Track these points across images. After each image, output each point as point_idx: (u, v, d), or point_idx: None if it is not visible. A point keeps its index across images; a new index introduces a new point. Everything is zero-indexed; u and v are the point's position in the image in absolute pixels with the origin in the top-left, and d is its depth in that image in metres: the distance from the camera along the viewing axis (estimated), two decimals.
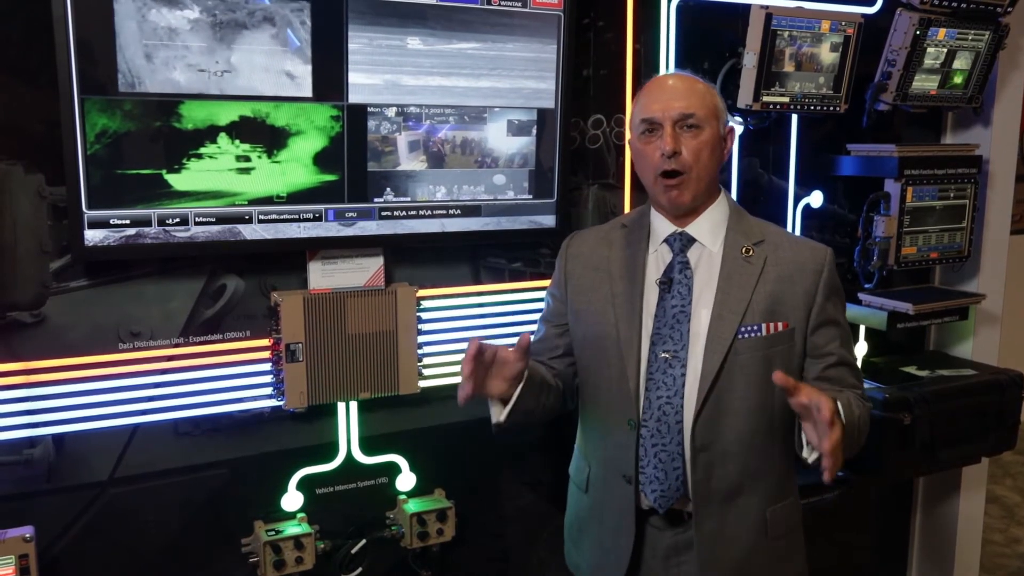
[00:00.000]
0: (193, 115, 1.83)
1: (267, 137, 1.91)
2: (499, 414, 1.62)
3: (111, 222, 1.80)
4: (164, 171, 1.83)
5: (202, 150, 1.86)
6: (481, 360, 1.52)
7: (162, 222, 1.85)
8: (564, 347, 1.79)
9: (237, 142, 1.88)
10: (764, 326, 1.62)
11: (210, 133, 1.86)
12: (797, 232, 2.72)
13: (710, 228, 1.67)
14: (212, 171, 1.87)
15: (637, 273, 1.68)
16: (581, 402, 1.80)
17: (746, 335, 1.61)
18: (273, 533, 2.05)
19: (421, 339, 2.20)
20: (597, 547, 1.76)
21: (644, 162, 1.65)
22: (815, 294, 1.65)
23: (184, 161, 1.84)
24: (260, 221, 1.94)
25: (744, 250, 1.65)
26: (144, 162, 1.81)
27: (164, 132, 1.82)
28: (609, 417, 1.70)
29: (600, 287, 1.72)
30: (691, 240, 1.67)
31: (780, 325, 1.63)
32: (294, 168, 1.95)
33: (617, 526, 1.70)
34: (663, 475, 1.63)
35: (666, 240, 1.68)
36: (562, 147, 2.23)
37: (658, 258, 1.69)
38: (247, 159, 1.90)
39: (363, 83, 1.98)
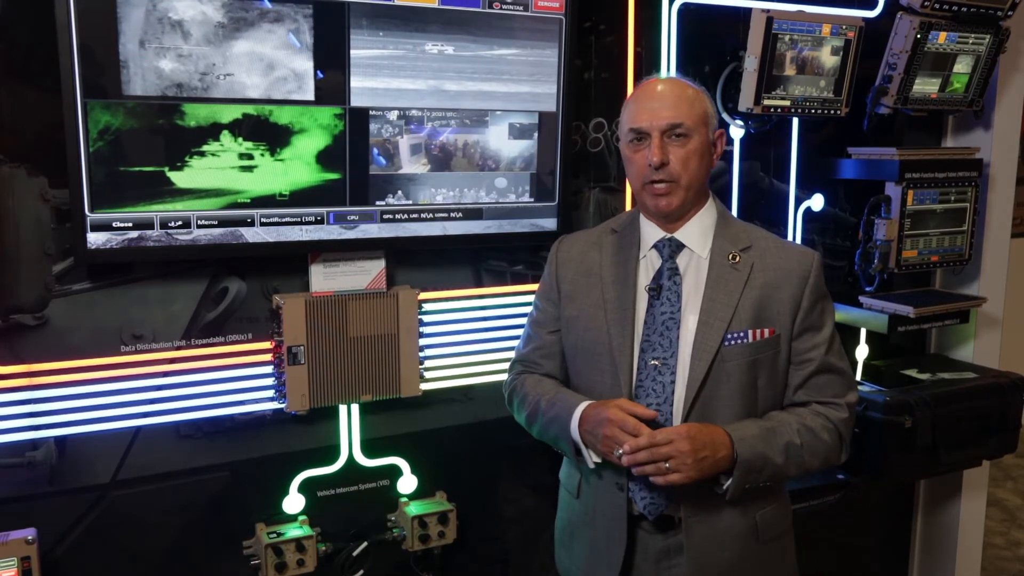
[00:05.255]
0: (196, 113, 1.84)
1: (270, 135, 1.91)
2: (595, 456, 1.64)
3: (113, 225, 1.81)
4: (167, 168, 1.84)
5: (205, 148, 1.86)
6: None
7: (164, 225, 1.85)
8: (562, 353, 1.79)
9: (240, 140, 1.89)
10: (751, 332, 1.62)
11: (213, 131, 1.86)
12: (798, 236, 2.73)
13: (699, 233, 1.68)
14: (215, 169, 1.88)
15: (629, 279, 1.68)
16: None
17: (733, 342, 1.61)
18: (275, 535, 2.06)
19: (423, 342, 2.20)
20: (589, 552, 1.76)
21: (632, 169, 1.67)
22: (801, 300, 1.65)
23: (187, 158, 1.85)
24: (262, 224, 1.95)
25: (731, 256, 1.65)
26: (147, 159, 1.82)
27: (167, 129, 1.82)
28: None
29: (591, 292, 1.72)
30: (680, 246, 1.67)
31: (767, 331, 1.63)
32: (297, 166, 1.95)
33: (609, 532, 1.70)
34: (651, 482, 1.61)
35: (655, 246, 1.69)
36: (563, 150, 2.23)
37: (648, 264, 1.69)
38: (250, 157, 1.90)
39: (365, 87, 1.99)
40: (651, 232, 1.70)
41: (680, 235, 1.67)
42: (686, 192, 1.62)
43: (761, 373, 1.64)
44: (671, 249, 1.67)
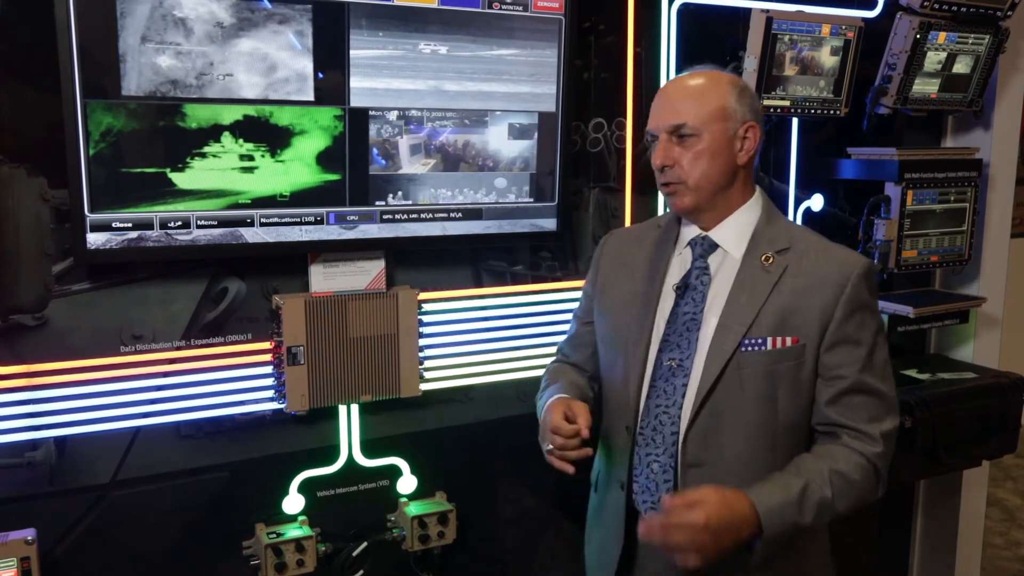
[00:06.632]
0: (197, 114, 1.84)
1: (270, 136, 1.91)
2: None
3: (113, 225, 1.81)
4: (168, 170, 1.84)
5: (206, 149, 1.86)
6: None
7: (164, 225, 1.85)
8: (594, 345, 1.77)
9: (240, 141, 1.89)
10: (770, 340, 1.51)
11: (214, 132, 1.86)
12: None
13: (734, 233, 1.59)
14: (216, 170, 1.88)
15: (658, 275, 1.63)
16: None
17: (750, 348, 1.52)
18: (274, 536, 2.05)
19: (422, 342, 2.20)
20: (597, 547, 1.76)
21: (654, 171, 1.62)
22: (833, 310, 1.51)
23: (188, 160, 1.85)
24: (262, 224, 1.95)
25: (764, 258, 1.55)
26: (148, 160, 1.82)
27: (168, 131, 1.82)
28: (611, 419, 1.69)
29: (623, 287, 1.68)
30: (714, 245, 1.60)
31: (789, 340, 1.52)
32: (297, 167, 1.95)
33: (611, 530, 1.69)
34: (654, 486, 1.59)
35: (689, 243, 1.62)
36: (563, 150, 2.23)
37: (682, 261, 1.63)
38: (251, 158, 1.90)
39: (364, 87, 1.98)
40: (688, 230, 1.63)
41: (714, 234, 1.60)
42: (696, 193, 1.55)
43: (781, 385, 1.53)
44: (703, 248, 1.60)
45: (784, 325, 1.52)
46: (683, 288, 1.60)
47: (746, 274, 1.56)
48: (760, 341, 1.52)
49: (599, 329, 1.75)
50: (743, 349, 1.52)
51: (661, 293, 1.62)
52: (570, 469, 1.52)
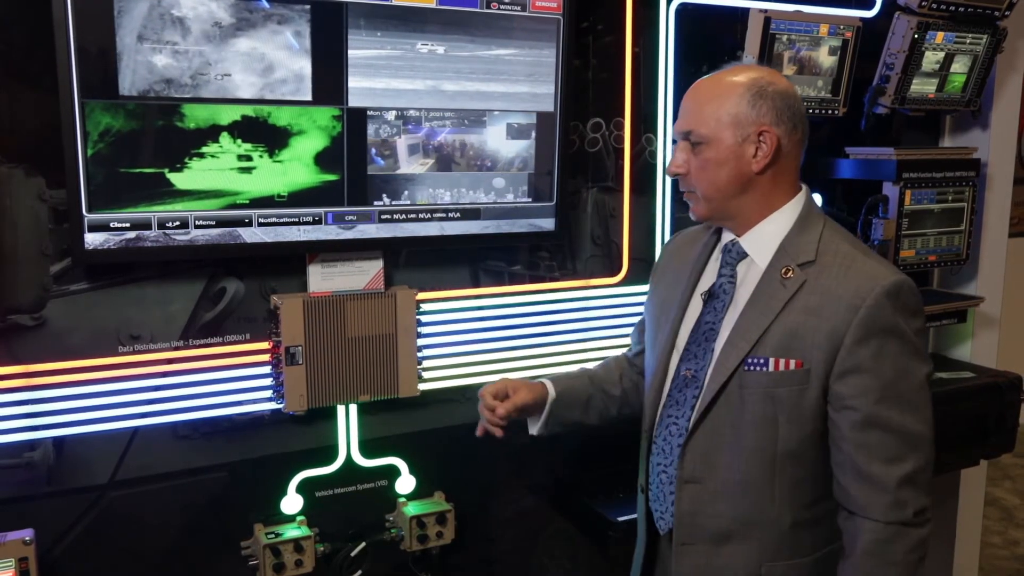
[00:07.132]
0: (195, 114, 1.84)
1: (269, 136, 1.91)
2: (532, 427, 1.70)
3: (111, 225, 1.81)
4: (166, 170, 1.84)
5: (204, 149, 1.86)
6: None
7: (162, 225, 1.85)
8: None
9: (239, 141, 1.89)
10: (772, 361, 1.42)
11: (212, 132, 1.86)
12: None
13: (762, 241, 1.50)
14: (214, 170, 1.88)
15: (691, 280, 1.59)
16: None
17: (753, 367, 1.44)
18: (273, 536, 2.05)
19: (421, 342, 2.20)
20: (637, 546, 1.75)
21: None
22: (844, 334, 1.38)
23: (186, 160, 1.85)
24: (260, 224, 1.94)
25: (784, 271, 1.45)
26: (146, 161, 1.81)
27: (166, 131, 1.82)
28: (641, 422, 1.67)
29: (665, 289, 1.65)
30: (743, 252, 1.52)
31: (793, 363, 1.42)
32: (295, 168, 1.95)
33: (640, 529, 1.69)
34: (662, 496, 1.58)
35: (722, 249, 1.56)
36: (561, 150, 2.23)
37: (716, 268, 1.57)
38: (249, 158, 1.90)
39: (363, 87, 1.98)
40: (727, 235, 1.56)
41: (743, 241, 1.52)
42: (708, 202, 1.49)
43: (781, 410, 1.43)
44: (732, 255, 1.53)
45: (789, 347, 1.42)
46: (708, 296, 1.54)
47: (763, 288, 1.47)
48: (763, 361, 1.43)
49: (646, 329, 1.74)
50: (746, 368, 1.45)
51: (691, 300, 1.58)
52: (477, 432, 1.71)
